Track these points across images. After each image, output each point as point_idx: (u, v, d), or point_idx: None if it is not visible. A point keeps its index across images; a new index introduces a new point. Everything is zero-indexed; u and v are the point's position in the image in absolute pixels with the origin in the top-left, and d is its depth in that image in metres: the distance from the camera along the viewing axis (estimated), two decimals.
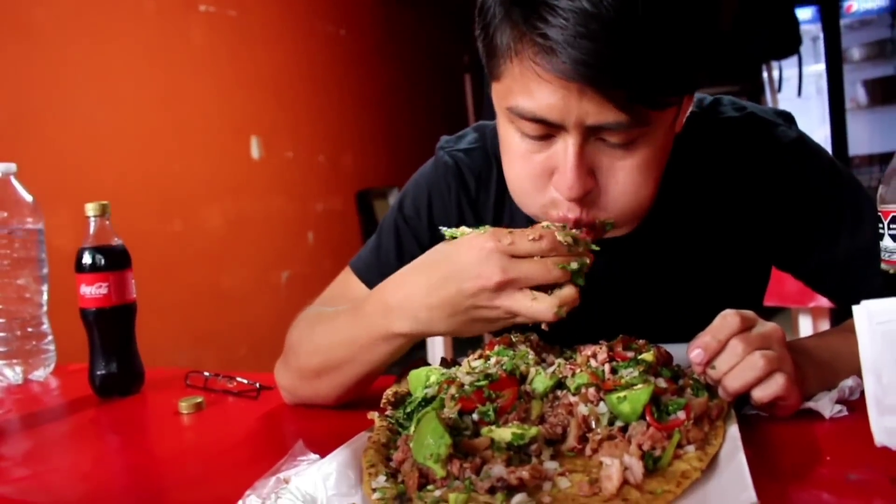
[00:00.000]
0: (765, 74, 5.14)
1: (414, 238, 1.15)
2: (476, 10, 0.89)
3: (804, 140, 1.05)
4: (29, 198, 1.45)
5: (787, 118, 1.06)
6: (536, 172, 0.90)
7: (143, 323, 1.33)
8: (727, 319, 0.79)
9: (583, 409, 0.76)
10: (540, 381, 0.82)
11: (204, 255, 3.53)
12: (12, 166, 1.44)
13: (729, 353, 0.78)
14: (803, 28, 5.25)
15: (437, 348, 2.06)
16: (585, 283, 0.85)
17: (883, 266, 0.82)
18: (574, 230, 0.88)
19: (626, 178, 0.87)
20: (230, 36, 3.71)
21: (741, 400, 0.83)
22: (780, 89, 5.23)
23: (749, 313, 0.81)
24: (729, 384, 0.78)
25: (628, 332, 0.96)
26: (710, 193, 1.05)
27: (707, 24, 0.83)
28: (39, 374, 1.45)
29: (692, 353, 0.80)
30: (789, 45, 4.88)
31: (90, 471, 0.95)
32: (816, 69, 5.78)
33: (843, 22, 5.69)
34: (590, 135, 0.84)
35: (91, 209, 1.27)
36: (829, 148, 5.71)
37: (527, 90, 0.83)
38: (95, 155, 2.93)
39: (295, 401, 1.09)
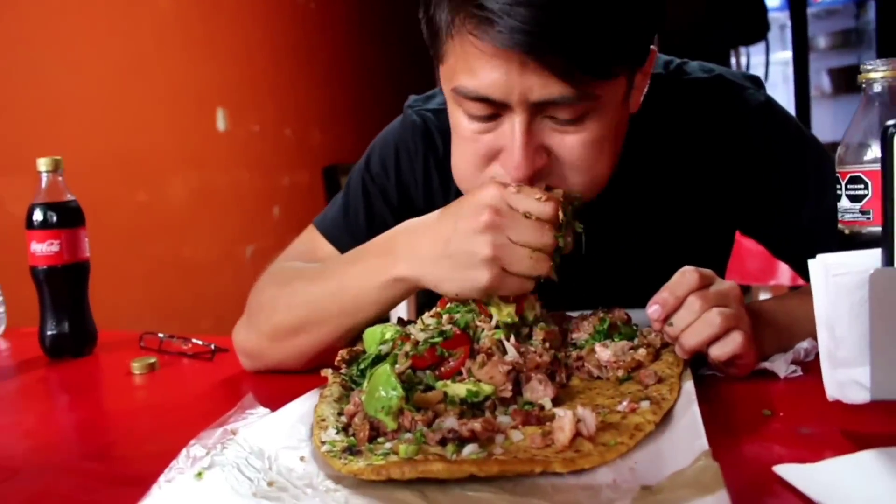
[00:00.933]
0: (733, 60, 5.18)
1: (382, 196, 1.12)
2: None
3: (772, 104, 1.04)
4: None
5: (756, 82, 1.06)
6: (482, 153, 0.87)
7: (105, 292, 1.30)
8: (686, 276, 0.79)
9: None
10: (486, 335, 0.80)
11: (168, 227, 3.47)
12: None
13: (686, 309, 0.78)
14: (771, 16, 5.29)
15: (398, 310, 2.05)
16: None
17: (840, 226, 0.82)
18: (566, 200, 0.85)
19: (578, 155, 0.85)
20: (197, 4, 3.63)
21: (698, 361, 0.84)
22: None
23: (707, 271, 0.81)
24: (685, 341, 0.78)
25: (595, 295, 0.95)
26: (677, 154, 1.04)
27: None
28: None
29: (650, 309, 0.79)
30: (757, 31, 4.92)
31: (35, 427, 0.93)
32: (783, 56, 5.83)
33: (809, 11, 5.74)
34: (536, 112, 0.82)
35: (43, 164, 1.22)
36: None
37: (469, 69, 0.81)
38: (56, 121, 2.85)
39: (258, 366, 1.03)
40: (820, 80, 5.99)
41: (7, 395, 1.10)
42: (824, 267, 0.66)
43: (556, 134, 0.84)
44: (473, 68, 0.80)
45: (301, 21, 4.40)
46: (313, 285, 0.97)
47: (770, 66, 5.39)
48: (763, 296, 2.63)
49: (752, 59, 5.34)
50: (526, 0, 0.74)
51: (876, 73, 0.79)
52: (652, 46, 0.90)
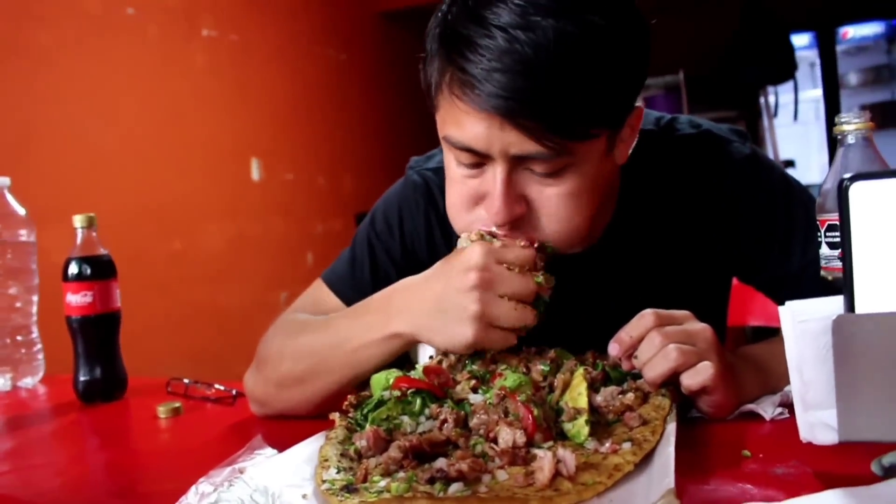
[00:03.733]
0: (761, 100, 5.20)
1: (386, 252, 1.18)
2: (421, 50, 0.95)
3: (757, 156, 1.09)
4: (22, 211, 1.50)
5: (742, 135, 1.10)
6: (469, 196, 0.94)
7: (141, 339, 1.37)
8: (643, 318, 0.87)
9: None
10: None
11: (203, 275, 3.57)
12: (6, 180, 1.49)
13: (647, 343, 0.85)
14: (800, 54, 5.32)
15: (424, 356, 2.10)
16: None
17: (822, 273, 0.86)
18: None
19: (555, 206, 0.91)
20: (232, 60, 3.78)
21: (687, 404, 0.87)
22: (776, 114, 5.28)
23: (676, 312, 0.87)
24: (646, 373, 0.85)
25: (590, 345, 0.99)
26: (668, 208, 1.09)
27: (625, 60, 0.88)
28: (28, 381, 1.49)
29: (610, 346, 0.88)
30: (785, 70, 4.95)
31: (67, 466, 1.00)
32: (814, 94, 5.83)
33: (839, 48, 5.75)
34: (517, 164, 0.89)
35: (78, 220, 1.31)
36: (826, 172, 5.75)
37: (456, 121, 0.88)
38: (96, 174, 2.99)
39: (267, 412, 1.09)
40: None
41: (43, 437, 1.17)
42: (791, 313, 0.70)
43: (535, 185, 0.91)
44: (460, 121, 0.88)
45: (333, 72, 4.54)
46: (318, 338, 1.03)
47: (800, 104, 5.40)
48: None
49: (780, 98, 5.36)
50: (503, 67, 0.81)
51: (849, 125, 0.83)
52: (638, 104, 0.95)
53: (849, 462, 0.70)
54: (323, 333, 1.03)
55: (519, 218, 0.91)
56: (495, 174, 0.89)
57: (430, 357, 0.99)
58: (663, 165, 1.08)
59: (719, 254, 1.11)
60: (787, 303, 0.71)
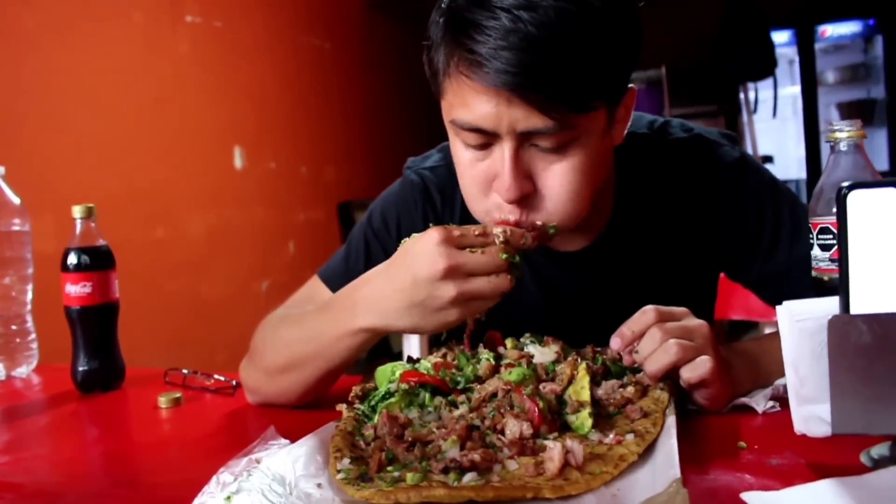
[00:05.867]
0: (741, 95, 5.28)
1: (382, 250, 1.20)
2: (424, 39, 0.98)
3: (746, 159, 1.13)
4: (16, 200, 1.50)
5: (731, 139, 1.15)
6: (480, 179, 0.98)
7: (124, 326, 1.38)
8: (645, 314, 0.90)
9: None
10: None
11: (186, 263, 3.56)
12: (1, 169, 1.49)
13: (648, 338, 0.88)
14: (779, 51, 5.40)
15: (412, 347, 2.14)
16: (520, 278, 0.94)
17: (814, 273, 0.90)
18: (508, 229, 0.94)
19: (561, 181, 0.95)
20: (216, 47, 3.76)
21: (683, 397, 0.91)
22: (755, 110, 5.35)
23: (675, 309, 0.91)
24: (647, 367, 0.88)
25: (588, 339, 1.03)
26: (661, 208, 1.13)
27: (620, 38, 0.92)
28: (22, 370, 1.49)
29: (612, 341, 0.91)
30: (765, 67, 5.02)
31: (70, 456, 1.01)
32: (792, 91, 5.92)
33: (817, 46, 5.84)
34: (523, 140, 0.93)
35: (77, 211, 1.32)
36: (803, 168, 5.87)
37: (464, 103, 0.92)
38: (81, 161, 2.96)
39: (259, 400, 1.12)
40: (829, 114, 6.06)
41: (43, 427, 1.17)
42: (789, 313, 0.73)
43: (541, 162, 0.95)
44: (468, 102, 0.92)
45: (317, 61, 4.53)
46: (293, 331, 1.07)
47: (778, 100, 5.49)
48: (768, 330, 2.68)
49: (760, 94, 5.44)
50: (510, 45, 0.86)
51: (842, 133, 0.87)
52: (631, 85, 1.00)
53: (840, 454, 0.74)
54: (297, 328, 1.06)
55: (527, 196, 0.95)
56: (503, 152, 0.93)
57: (432, 351, 1.02)
58: (657, 167, 1.12)
59: (710, 252, 1.15)
60: (785, 303, 0.74)
